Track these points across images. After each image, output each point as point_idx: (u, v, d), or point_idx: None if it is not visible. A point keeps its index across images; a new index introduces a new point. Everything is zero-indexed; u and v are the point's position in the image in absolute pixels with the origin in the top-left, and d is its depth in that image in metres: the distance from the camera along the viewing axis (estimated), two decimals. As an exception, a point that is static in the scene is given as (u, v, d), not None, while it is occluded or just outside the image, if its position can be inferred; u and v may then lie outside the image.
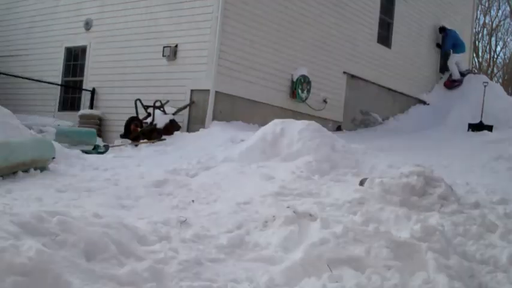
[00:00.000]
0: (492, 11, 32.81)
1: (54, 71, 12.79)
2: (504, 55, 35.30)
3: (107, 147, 9.03)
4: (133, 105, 10.03)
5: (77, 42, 12.53)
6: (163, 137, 9.48)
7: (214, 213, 4.55)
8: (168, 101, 10.21)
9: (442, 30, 15.96)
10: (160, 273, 3.06)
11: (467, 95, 15.00)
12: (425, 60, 16.36)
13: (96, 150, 8.73)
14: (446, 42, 15.91)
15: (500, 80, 31.85)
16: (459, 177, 6.65)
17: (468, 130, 12.51)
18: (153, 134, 9.65)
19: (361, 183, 5.41)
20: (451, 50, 15.94)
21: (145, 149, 8.77)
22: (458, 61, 15.99)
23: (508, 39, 34.26)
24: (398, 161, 7.11)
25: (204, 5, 10.26)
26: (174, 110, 10.15)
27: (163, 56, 10.67)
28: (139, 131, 9.77)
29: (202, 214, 4.55)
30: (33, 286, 2.55)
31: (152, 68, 10.89)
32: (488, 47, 32.90)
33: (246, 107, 10.66)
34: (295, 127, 7.22)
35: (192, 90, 10.34)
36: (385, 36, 14.62)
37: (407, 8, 15.32)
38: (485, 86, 13.60)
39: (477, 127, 12.42)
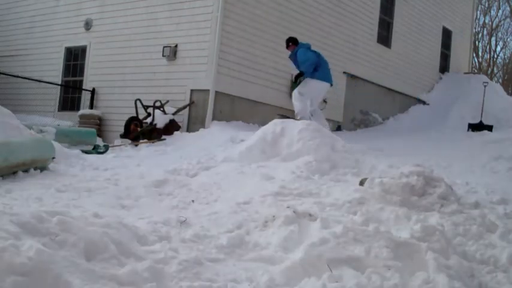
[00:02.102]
0: (492, 11, 32.87)
1: (54, 71, 12.79)
2: (504, 55, 35.40)
3: (106, 147, 9.03)
4: (134, 105, 10.04)
5: (77, 42, 12.54)
6: (163, 137, 9.49)
7: (214, 213, 4.54)
8: (168, 101, 10.21)
9: (292, 41, 9.55)
10: (160, 273, 3.06)
11: (467, 95, 15.01)
12: (425, 60, 16.36)
13: (96, 150, 8.73)
14: (307, 55, 9.28)
15: (500, 80, 31.87)
16: (459, 177, 6.64)
17: (468, 130, 12.52)
18: (153, 134, 9.66)
19: (361, 183, 5.40)
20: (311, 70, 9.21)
21: (145, 149, 8.77)
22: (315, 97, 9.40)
23: (508, 39, 34.33)
24: (398, 161, 7.10)
25: (204, 5, 10.26)
26: (174, 110, 10.15)
27: (163, 56, 10.68)
28: (139, 131, 9.77)
29: (202, 214, 4.55)
30: (33, 286, 2.54)
31: (152, 68, 10.90)
32: (488, 47, 32.95)
33: (246, 107, 10.66)
34: (295, 127, 7.22)
35: (192, 90, 10.35)
36: (385, 36, 14.63)
37: (407, 8, 15.32)
38: (485, 86, 13.62)
39: (477, 127, 12.42)
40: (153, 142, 9.18)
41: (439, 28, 17.02)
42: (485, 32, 32.52)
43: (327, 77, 9.34)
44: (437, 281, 3.27)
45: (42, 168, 5.86)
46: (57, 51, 12.87)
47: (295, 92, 9.30)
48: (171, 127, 9.84)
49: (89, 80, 12.18)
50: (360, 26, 13.55)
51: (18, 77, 12.25)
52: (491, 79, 25.85)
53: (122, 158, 7.91)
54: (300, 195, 5.17)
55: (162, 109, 10.02)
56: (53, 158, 6.15)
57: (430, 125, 13.51)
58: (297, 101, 9.23)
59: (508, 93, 19.66)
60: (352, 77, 13.33)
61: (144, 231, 3.74)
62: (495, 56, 33.46)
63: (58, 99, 12.78)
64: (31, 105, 12.42)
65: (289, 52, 9.63)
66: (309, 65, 9.14)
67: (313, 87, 9.19)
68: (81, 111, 11.66)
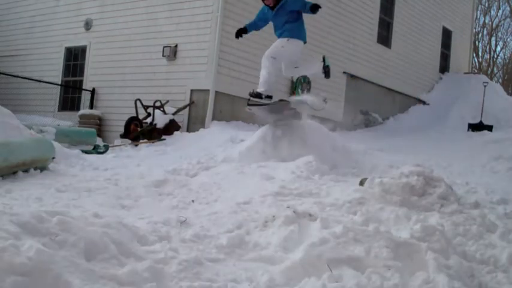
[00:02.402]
0: (492, 11, 32.92)
1: (54, 71, 12.79)
2: (504, 55, 35.45)
3: (106, 147, 9.03)
4: (134, 105, 10.04)
5: (77, 42, 12.54)
6: (163, 137, 9.49)
7: (214, 213, 4.54)
8: (168, 101, 10.21)
9: None
10: (160, 273, 3.06)
11: (467, 95, 15.02)
12: (425, 60, 16.36)
13: (96, 150, 8.73)
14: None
15: (500, 80, 31.89)
16: (459, 177, 6.65)
17: (468, 130, 12.53)
18: (153, 134, 9.66)
19: (361, 183, 5.40)
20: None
21: (145, 149, 8.77)
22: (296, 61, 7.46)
23: (508, 39, 34.38)
24: (399, 161, 7.11)
25: (204, 5, 10.27)
26: (174, 110, 10.16)
27: (163, 56, 10.68)
28: (139, 131, 9.77)
29: (202, 214, 4.54)
30: (33, 286, 2.54)
31: (152, 68, 10.90)
32: (488, 47, 32.97)
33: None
34: (295, 127, 7.21)
35: (192, 90, 10.35)
36: (385, 36, 14.63)
37: (407, 8, 15.32)
38: (485, 86, 13.63)
39: (477, 127, 12.43)
40: (153, 142, 9.18)
41: (439, 28, 17.03)
42: (485, 32, 32.59)
43: (304, 34, 7.52)
44: (437, 281, 3.27)
45: (42, 168, 5.86)
46: (57, 51, 12.88)
47: (267, 57, 7.20)
48: (171, 127, 9.84)
49: (89, 80, 12.18)
50: (359, 26, 13.54)
51: (18, 77, 12.26)
52: (491, 79, 25.86)
53: (122, 158, 7.92)
54: (300, 195, 5.17)
55: (162, 109, 10.03)
56: (53, 158, 6.15)
57: (430, 125, 13.52)
58: (265, 70, 7.18)
59: (508, 93, 19.67)
60: (352, 77, 13.32)
61: (144, 231, 3.74)
62: (495, 56, 33.52)
63: (58, 99, 12.78)
64: (31, 105, 12.42)
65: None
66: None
67: (288, 49, 7.25)
68: (81, 111, 11.66)
